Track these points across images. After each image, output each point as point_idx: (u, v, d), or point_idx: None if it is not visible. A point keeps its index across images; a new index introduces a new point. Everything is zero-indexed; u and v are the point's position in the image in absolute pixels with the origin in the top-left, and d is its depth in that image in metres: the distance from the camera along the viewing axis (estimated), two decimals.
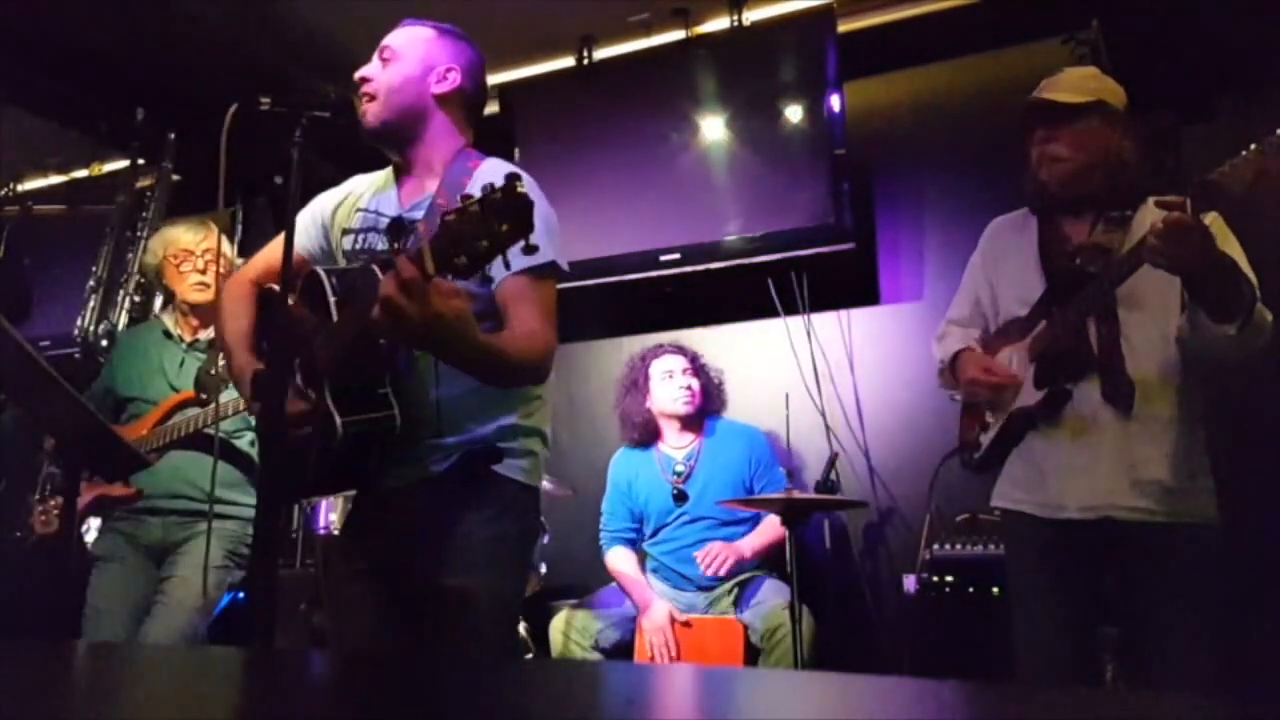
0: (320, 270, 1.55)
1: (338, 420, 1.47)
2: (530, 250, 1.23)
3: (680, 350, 3.18)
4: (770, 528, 2.93)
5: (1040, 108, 1.88)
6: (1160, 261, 1.66)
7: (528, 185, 1.61)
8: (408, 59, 1.67)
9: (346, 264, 1.69)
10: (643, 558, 3.09)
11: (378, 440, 1.54)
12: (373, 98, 1.65)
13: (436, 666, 0.85)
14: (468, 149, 1.70)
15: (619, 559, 3.06)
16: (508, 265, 1.50)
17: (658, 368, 3.14)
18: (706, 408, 3.12)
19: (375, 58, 1.69)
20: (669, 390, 3.10)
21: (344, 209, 1.76)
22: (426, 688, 0.69)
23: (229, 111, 1.54)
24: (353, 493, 1.76)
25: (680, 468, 3.07)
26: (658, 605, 2.85)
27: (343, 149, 1.80)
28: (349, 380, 1.51)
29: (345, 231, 1.73)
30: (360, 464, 1.57)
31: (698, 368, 3.15)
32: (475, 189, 1.33)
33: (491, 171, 1.63)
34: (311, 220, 1.77)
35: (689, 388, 3.10)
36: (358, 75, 1.68)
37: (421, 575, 1.55)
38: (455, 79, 1.69)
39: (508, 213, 1.22)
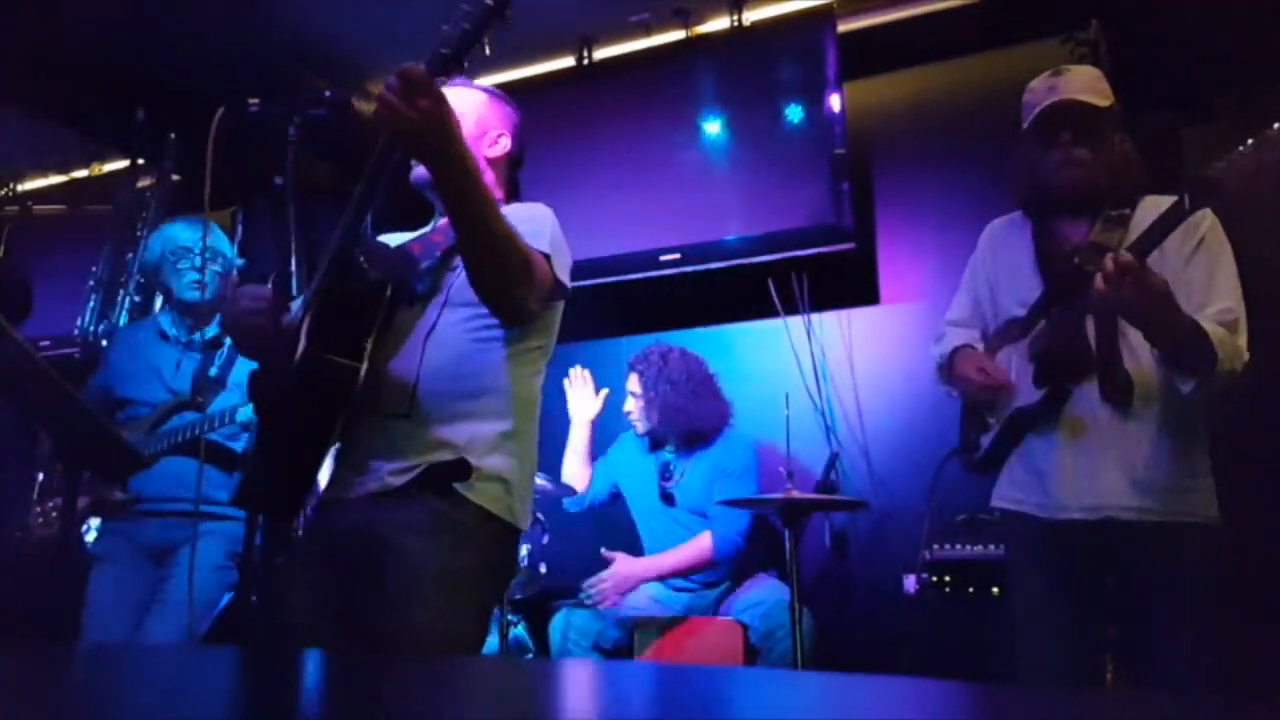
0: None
1: (301, 344, 1.44)
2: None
3: (643, 364, 3.10)
4: (693, 547, 2.89)
5: (1072, 109, 1.82)
6: (1111, 306, 1.67)
7: (549, 213, 1.67)
8: (465, 119, 1.65)
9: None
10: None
11: (340, 402, 1.49)
12: None
13: (436, 667, 0.85)
14: (501, 201, 1.74)
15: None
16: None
17: (629, 382, 3.15)
18: (677, 426, 3.03)
19: None
20: (629, 406, 3.13)
21: None
22: (425, 688, 0.69)
23: (216, 115, 1.54)
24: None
25: (673, 467, 3.07)
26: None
27: (339, 149, 1.80)
28: (336, 319, 1.49)
29: None
30: (314, 453, 1.51)
31: (658, 388, 3.03)
32: None
33: (517, 209, 1.68)
34: None
35: (629, 411, 3.11)
36: None
37: (365, 603, 1.47)
38: (506, 145, 1.76)
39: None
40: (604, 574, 2.89)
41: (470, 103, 1.74)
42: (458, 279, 1.60)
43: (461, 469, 1.50)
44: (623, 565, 2.90)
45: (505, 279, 1.49)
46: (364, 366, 1.47)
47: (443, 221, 1.68)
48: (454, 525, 1.49)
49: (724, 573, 2.94)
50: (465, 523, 1.50)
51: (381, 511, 1.50)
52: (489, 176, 1.73)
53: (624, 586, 2.88)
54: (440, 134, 1.35)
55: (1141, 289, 1.60)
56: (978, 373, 1.90)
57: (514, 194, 1.81)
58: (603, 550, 2.94)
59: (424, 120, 1.32)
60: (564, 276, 1.63)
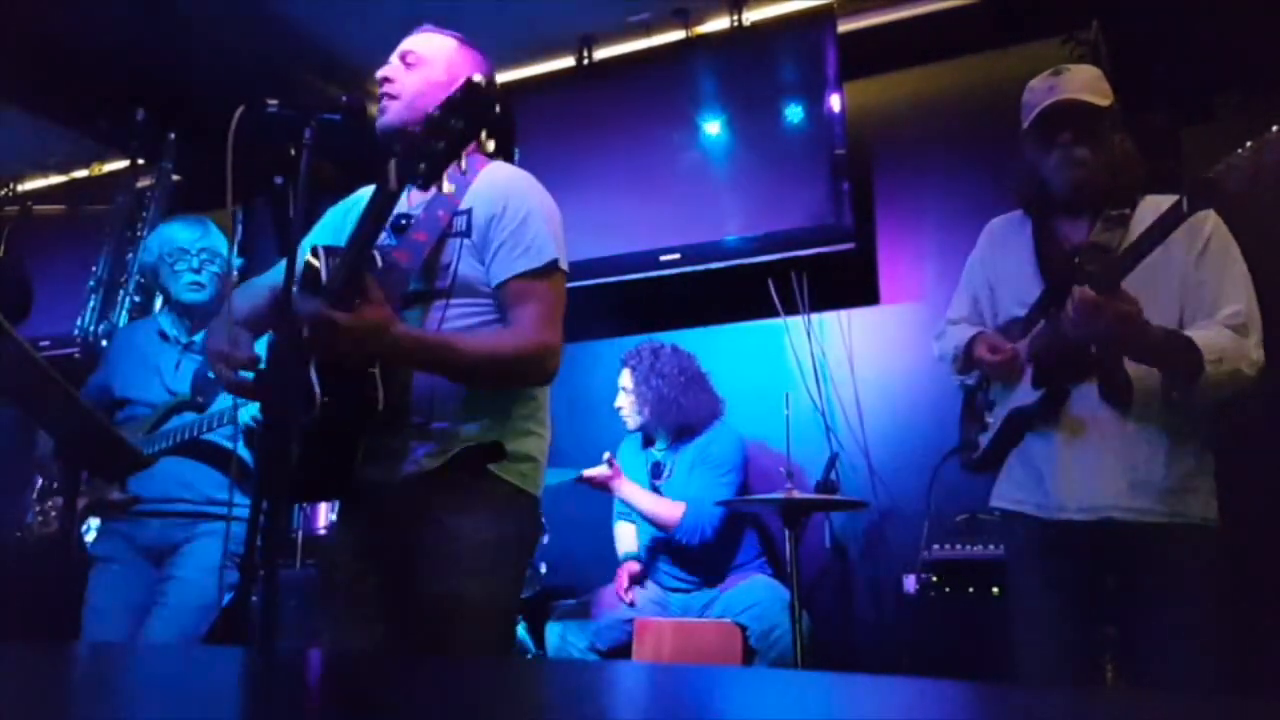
0: (320, 249, 1.56)
1: (317, 393, 1.45)
2: (491, 154, 1.28)
3: (635, 359, 3.15)
4: (666, 505, 2.95)
5: (1072, 109, 1.82)
6: (1080, 335, 1.72)
7: (531, 184, 1.65)
8: (433, 65, 1.68)
9: None
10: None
11: (361, 429, 1.51)
12: (395, 98, 1.66)
13: (435, 667, 0.85)
14: (475, 153, 1.71)
15: (619, 530, 3.20)
16: (493, 261, 1.56)
17: (620, 378, 3.18)
18: (668, 418, 3.07)
19: (397, 60, 1.70)
20: (620, 402, 3.16)
21: (355, 213, 1.74)
22: (426, 688, 0.69)
23: (236, 114, 1.55)
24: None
25: (663, 465, 3.10)
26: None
27: (345, 150, 1.80)
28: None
29: None
30: (345, 460, 1.53)
31: (650, 382, 3.08)
32: (480, 186, 1.35)
33: (493, 169, 1.67)
34: (326, 230, 1.78)
35: (620, 407, 3.15)
36: (380, 74, 1.69)
37: (412, 578, 1.53)
38: None
39: (462, 108, 1.26)
40: (598, 470, 3.02)
41: (439, 50, 1.72)
42: (450, 274, 1.59)
43: (495, 451, 1.56)
44: (615, 475, 3.01)
45: (505, 383, 1.60)
46: (381, 393, 1.48)
47: (420, 215, 1.64)
48: (489, 501, 1.56)
49: (715, 574, 2.96)
50: (499, 498, 1.56)
51: (419, 491, 1.55)
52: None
53: (607, 483, 3.01)
54: (375, 354, 1.44)
55: (1106, 321, 1.65)
56: (988, 352, 1.91)
57: (501, 150, 1.78)
58: (606, 454, 3.03)
59: (356, 354, 1.42)
60: (564, 262, 1.63)
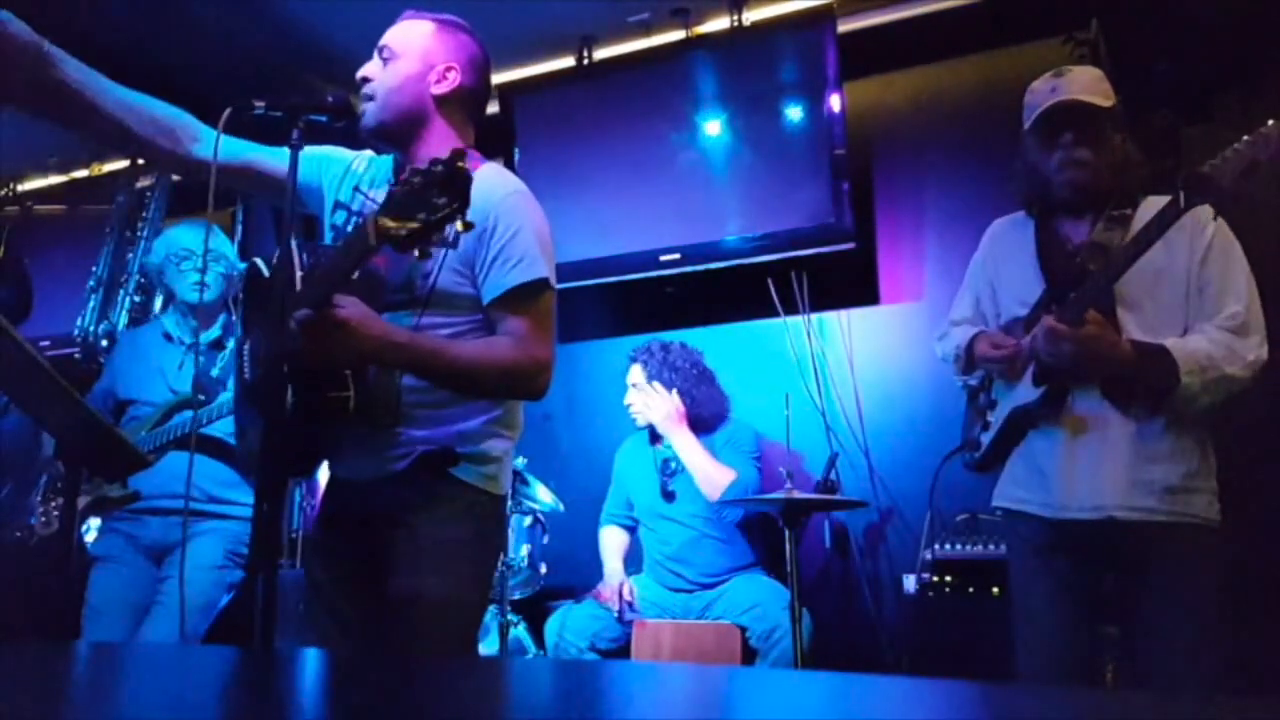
0: (297, 245, 1.53)
1: (288, 394, 1.45)
2: (467, 227, 1.26)
3: (645, 355, 3.14)
4: (718, 469, 2.92)
5: (1074, 110, 1.83)
6: (1051, 363, 1.78)
7: (523, 199, 1.62)
8: (407, 57, 1.64)
9: (334, 236, 1.70)
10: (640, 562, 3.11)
11: (331, 422, 1.52)
12: (371, 99, 1.63)
13: (435, 667, 0.85)
14: (467, 149, 1.66)
15: (606, 536, 3.21)
16: (485, 278, 1.55)
17: (629, 374, 3.17)
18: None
19: (376, 56, 1.66)
20: (630, 398, 3.15)
21: (345, 181, 1.73)
22: (425, 688, 0.69)
23: (223, 115, 1.54)
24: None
25: (674, 462, 3.08)
26: (614, 572, 3.06)
27: (341, 148, 1.79)
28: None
29: (338, 205, 1.71)
30: (311, 446, 1.56)
31: (662, 375, 3.07)
32: (473, 196, 1.34)
33: (486, 176, 1.62)
34: (317, 163, 1.74)
35: (630, 404, 3.13)
36: (359, 75, 1.66)
37: (377, 577, 1.55)
38: (455, 79, 1.66)
39: (446, 187, 1.24)
40: (670, 403, 3.01)
41: (414, 37, 1.66)
42: (429, 283, 1.57)
43: (450, 458, 1.57)
44: (681, 418, 3.00)
45: (493, 394, 1.60)
46: (352, 393, 1.48)
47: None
48: (449, 502, 1.57)
49: (720, 574, 2.95)
50: (459, 499, 1.57)
51: (385, 492, 1.57)
52: (439, 122, 1.65)
53: (661, 415, 3.00)
54: (358, 356, 1.44)
55: (1073, 347, 1.72)
56: (992, 349, 1.92)
57: (486, 140, 1.71)
58: (672, 392, 3.03)
59: (338, 355, 1.42)
60: (553, 281, 1.62)
